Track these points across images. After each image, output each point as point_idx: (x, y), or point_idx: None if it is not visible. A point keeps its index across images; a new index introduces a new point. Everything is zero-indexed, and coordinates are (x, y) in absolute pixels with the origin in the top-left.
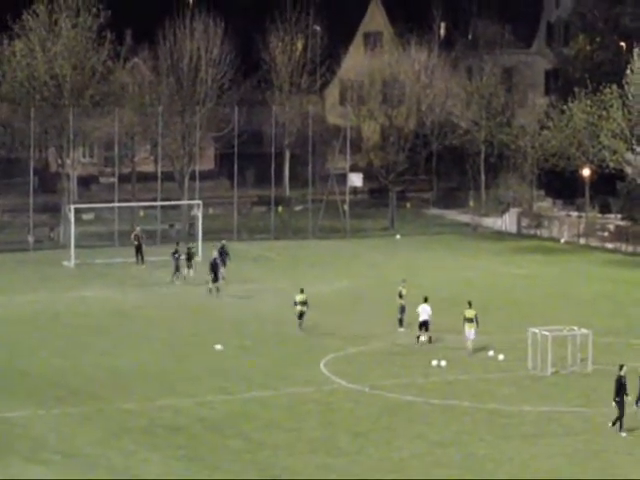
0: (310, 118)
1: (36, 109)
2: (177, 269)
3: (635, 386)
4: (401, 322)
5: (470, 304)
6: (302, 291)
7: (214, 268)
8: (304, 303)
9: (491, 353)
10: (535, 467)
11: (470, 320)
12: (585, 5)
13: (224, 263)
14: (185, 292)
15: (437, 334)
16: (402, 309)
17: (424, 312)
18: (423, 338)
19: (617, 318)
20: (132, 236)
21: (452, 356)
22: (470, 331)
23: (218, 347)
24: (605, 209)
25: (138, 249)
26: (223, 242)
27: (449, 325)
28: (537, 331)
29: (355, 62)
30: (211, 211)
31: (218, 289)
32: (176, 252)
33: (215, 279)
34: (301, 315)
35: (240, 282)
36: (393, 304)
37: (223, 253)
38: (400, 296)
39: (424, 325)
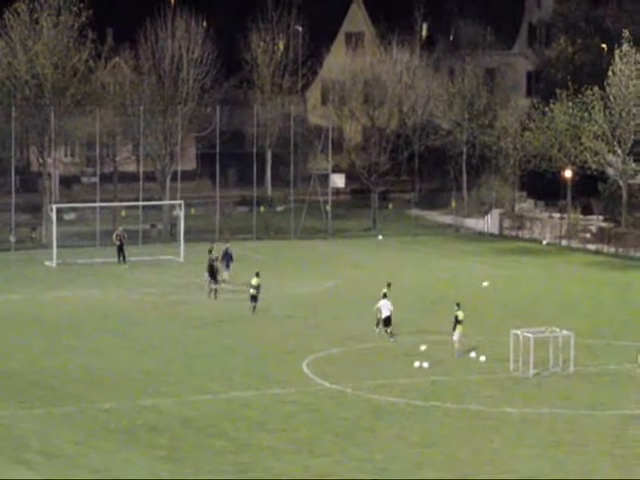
0: (292, 118)
1: (17, 108)
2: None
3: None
4: (379, 323)
5: (459, 305)
6: (257, 275)
7: (212, 269)
8: (256, 287)
9: (473, 354)
10: (517, 468)
11: (461, 322)
12: (567, 6)
13: (227, 266)
14: (167, 292)
15: (419, 335)
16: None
17: (385, 308)
18: (387, 329)
19: (599, 319)
20: (114, 236)
21: (434, 357)
22: (457, 333)
23: (423, 348)
24: (587, 210)
25: (120, 249)
26: (228, 245)
27: (431, 326)
28: (519, 332)
29: (337, 62)
30: (193, 211)
31: (217, 291)
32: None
33: (215, 281)
34: (252, 298)
35: (224, 282)
36: (375, 304)
37: (227, 255)
38: (385, 297)
39: (387, 321)
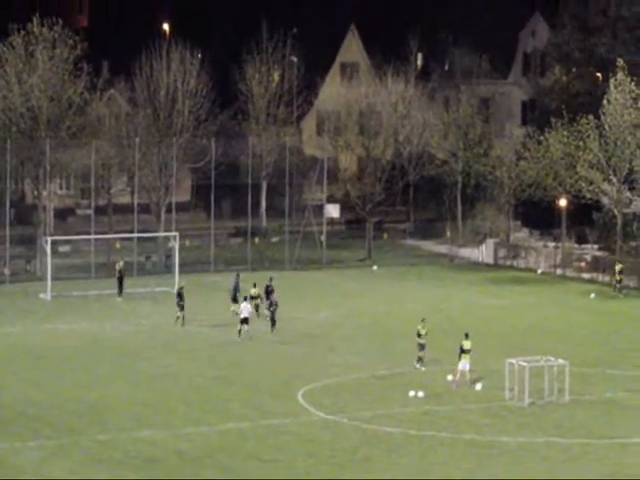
0: (287, 149)
1: (12, 141)
2: (273, 322)
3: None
4: (419, 360)
5: (467, 335)
6: (255, 285)
7: (181, 297)
8: (256, 297)
9: (468, 383)
10: None
11: (468, 351)
12: (561, 36)
13: (235, 297)
14: (162, 324)
15: (414, 366)
16: (421, 347)
17: (245, 310)
18: (245, 328)
19: (593, 348)
20: (117, 270)
21: (429, 387)
22: (465, 362)
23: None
24: (582, 239)
25: (120, 281)
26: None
27: (426, 356)
28: (514, 361)
29: (332, 93)
30: (188, 243)
31: (184, 318)
32: (271, 304)
33: (182, 308)
34: (257, 307)
35: (218, 313)
36: (370, 335)
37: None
38: (419, 335)
39: (245, 321)
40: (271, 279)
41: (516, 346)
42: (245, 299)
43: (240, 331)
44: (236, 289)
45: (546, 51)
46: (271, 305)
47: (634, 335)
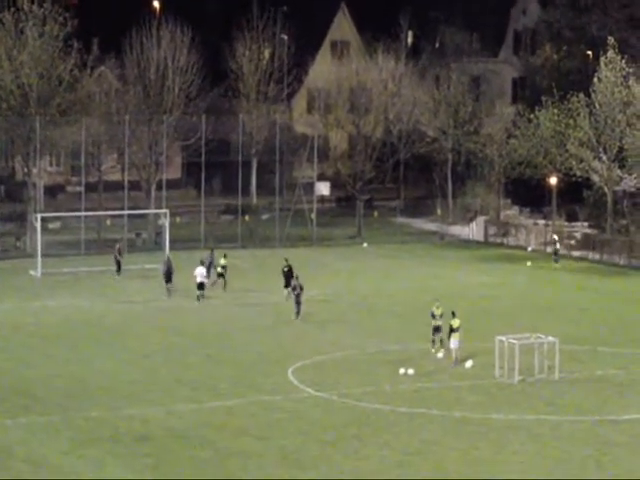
0: (277, 127)
1: (2, 118)
2: (298, 308)
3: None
4: (434, 343)
5: (454, 314)
6: (225, 256)
7: (169, 271)
8: (224, 267)
9: (458, 361)
10: (503, 475)
11: (456, 330)
12: (552, 14)
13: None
14: (152, 301)
15: (404, 343)
16: (436, 329)
17: (199, 275)
18: (199, 293)
19: (583, 326)
20: (116, 249)
21: (420, 364)
22: (455, 341)
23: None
24: (572, 217)
25: (118, 261)
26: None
27: (416, 333)
28: (504, 339)
29: (322, 70)
30: (178, 220)
31: (170, 290)
32: (294, 288)
33: (168, 281)
34: (220, 275)
35: (208, 290)
36: (361, 312)
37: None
38: (433, 316)
39: (201, 286)
40: (287, 260)
41: (506, 323)
42: (202, 264)
43: (198, 297)
44: (211, 264)
45: (537, 29)
46: (295, 289)
47: (624, 313)
